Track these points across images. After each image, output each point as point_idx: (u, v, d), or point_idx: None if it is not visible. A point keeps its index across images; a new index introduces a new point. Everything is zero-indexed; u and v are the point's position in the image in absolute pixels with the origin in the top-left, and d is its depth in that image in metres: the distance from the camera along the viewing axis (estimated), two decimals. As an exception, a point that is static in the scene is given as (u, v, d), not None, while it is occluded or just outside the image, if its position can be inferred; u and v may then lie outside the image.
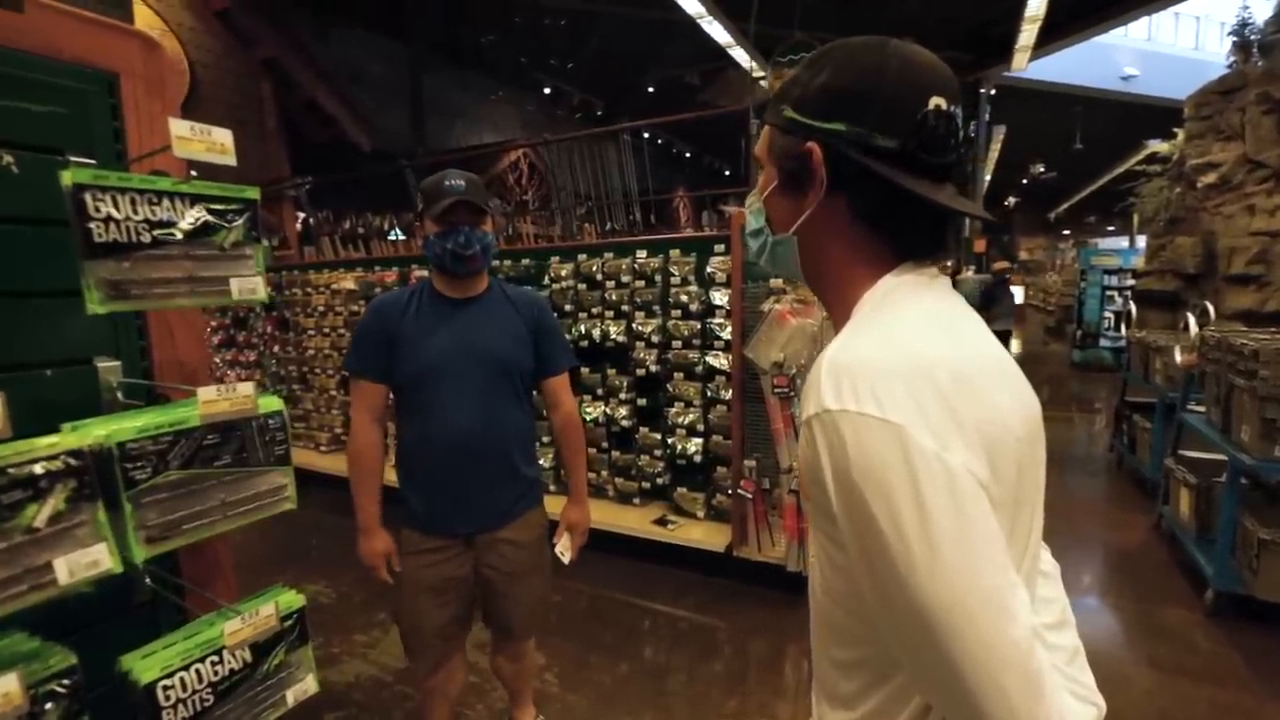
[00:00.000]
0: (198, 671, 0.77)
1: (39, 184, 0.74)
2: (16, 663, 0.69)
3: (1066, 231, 26.59)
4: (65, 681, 0.69)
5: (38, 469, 0.62)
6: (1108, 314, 10.19)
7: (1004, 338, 8.99)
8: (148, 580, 0.89)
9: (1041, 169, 17.14)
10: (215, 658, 0.78)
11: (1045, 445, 0.71)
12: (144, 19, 7.04)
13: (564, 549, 1.95)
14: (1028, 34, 9.25)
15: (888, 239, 0.70)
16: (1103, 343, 10.25)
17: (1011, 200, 22.74)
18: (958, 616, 0.52)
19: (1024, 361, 11.93)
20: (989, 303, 8.81)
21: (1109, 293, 10.21)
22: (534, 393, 1.90)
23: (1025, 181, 19.56)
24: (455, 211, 1.64)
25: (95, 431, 0.68)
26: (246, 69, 8.13)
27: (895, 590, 0.55)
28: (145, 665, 0.74)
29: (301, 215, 8.43)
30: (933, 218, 0.69)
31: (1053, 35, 9.96)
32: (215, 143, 0.74)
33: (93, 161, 0.84)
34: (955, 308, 0.70)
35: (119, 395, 0.85)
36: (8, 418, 0.58)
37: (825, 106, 0.68)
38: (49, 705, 0.67)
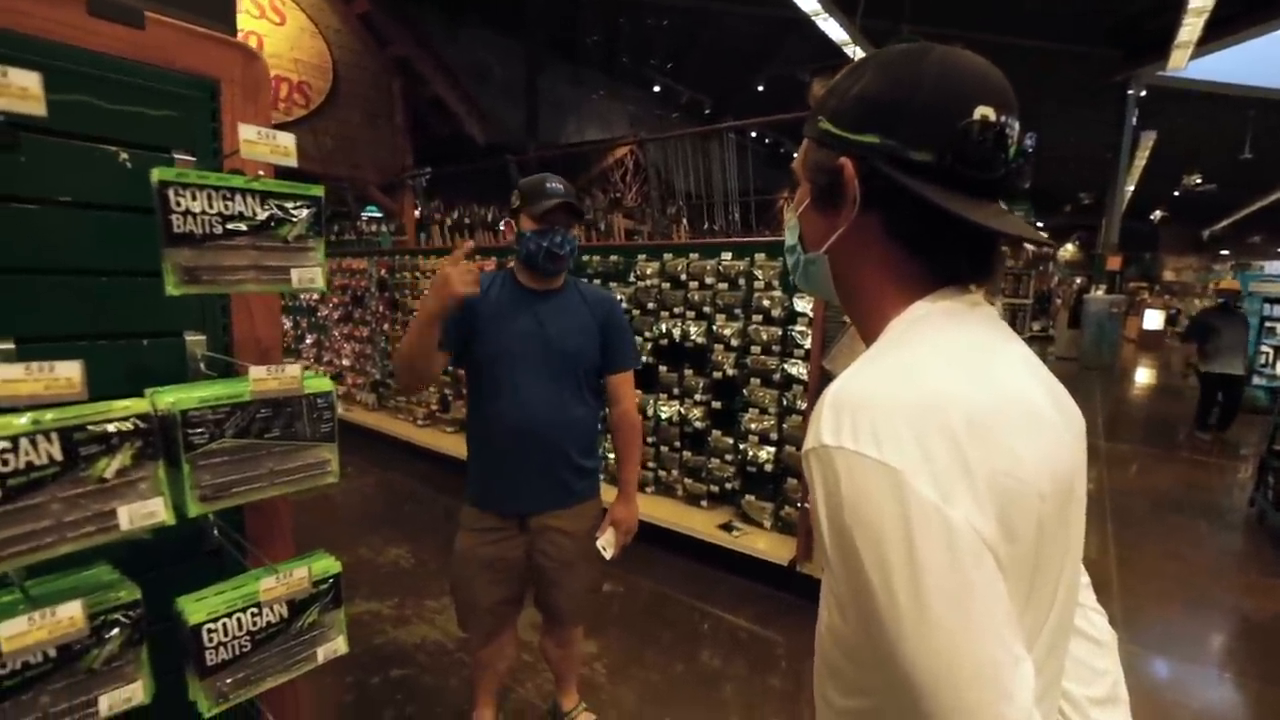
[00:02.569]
0: (239, 620, 0.86)
1: (148, 178, 0.84)
2: (95, 590, 0.80)
3: (1225, 251, 23.52)
4: (130, 613, 0.79)
5: (111, 428, 0.72)
6: (1265, 348, 8.91)
7: (1230, 384, 6.90)
8: (216, 533, 1.00)
9: (1198, 180, 15.24)
10: (255, 609, 0.88)
11: (1084, 505, 0.64)
12: (296, 22, 7.77)
13: (606, 544, 1.98)
14: (1190, 28, 8.25)
15: (924, 260, 0.65)
16: (1256, 380, 8.98)
17: (1158, 214, 20.40)
18: (944, 687, 0.48)
19: (1160, 395, 10.70)
20: (1202, 336, 6.79)
21: (1269, 324, 8.92)
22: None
23: (1176, 194, 17.48)
24: (556, 213, 1.75)
25: (164, 399, 0.78)
26: (381, 67, 8.77)
27: (882, 647, 0.51)
28: (195, 608, 0.84)
29: (419, 203, 9.02)
30: (973, 238, 0.63)
31: (1222, 30, 8.80)
32: (279, 146, 0.82)
33: (193, 158, 0.95)
34: (991, 341, 0.64)
35: (202, 366, 0.96)
36: (86, 383, 0.68)
37: (859, 118, 0.64)
38: (114, 632, 0.77)
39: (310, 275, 0.89)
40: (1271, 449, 4.71)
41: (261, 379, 0.81)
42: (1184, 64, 9.32)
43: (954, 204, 0.59)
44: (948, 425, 0.52)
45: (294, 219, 0.87)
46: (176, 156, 0.93)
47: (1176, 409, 9.46)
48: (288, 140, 0.83)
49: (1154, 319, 12.93)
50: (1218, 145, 13.57)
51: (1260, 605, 3.60)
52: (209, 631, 0.83)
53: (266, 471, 0.85)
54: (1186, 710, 2.67)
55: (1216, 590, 3.77)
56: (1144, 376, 12.51)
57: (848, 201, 0.65)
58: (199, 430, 0.79)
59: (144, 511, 0.73)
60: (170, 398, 0.78)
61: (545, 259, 1.75)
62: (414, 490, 4.87)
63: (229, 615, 0.85)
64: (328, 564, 0.95)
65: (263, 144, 0.81)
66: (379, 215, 9.50)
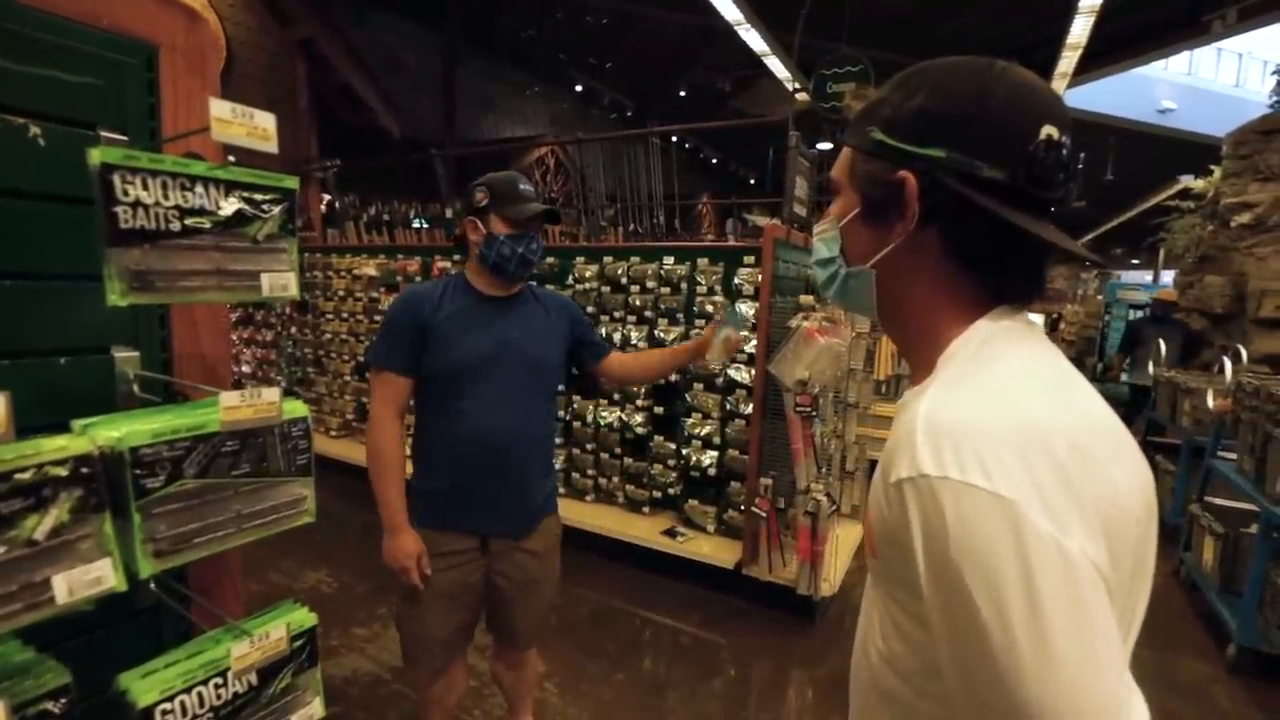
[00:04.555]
0: (199, 695, 0.71)
1: (67, 159, 0.68)
2: (8, 677, 0.63)
3: (1089, 262, 26.24)
4: (59, 701, 0.63)
5: (42, 475, 0.57)
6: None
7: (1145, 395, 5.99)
8: (153, 586, 0.83)
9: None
10: (219, 680, 0.73)
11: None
12: (184, -7, 7.07)
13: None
14: (1067, 61, 9.11)
15: (981, 279, 0.63)
16: (1124, 378, 10.01)
17: (1036, 227, 22.42)
18: None
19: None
20: (1130, 346, 6.36)
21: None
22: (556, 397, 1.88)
23: (1053, 209, 19.26)
24: (537, 220, 1.67)
25: (107, 434, 0.63)
26: (282, 48, 8.15)
27: (990, 687, 0.48)
28: (144, 686, 0.68)
29: (327, 198, 8.44)
30: (1033, 258, 0.63)
31: (1092, 64, 9.81)
32: (257, 127, 0.68)
33: (125, 138, 0.79)
34: (1060, 362, 0.62)
35: (135, 389, 0.80)
36: (10, 420, 0.52)
37: (921, 130, 0.61)
38: (39, 728, 0.61)
39: (283, 281, 0.75)
40: (1146, 439, 5.24)
41: (234, 406, 0.67)
42: (1061, 93, 10.30)
43: (1019, 219, 0.58)
44: (1052, 452, 0.50)
45: (265, 214, 0.73)
46: (104, 134, 0.76)
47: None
48: (267, 121, 0.69)
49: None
50: (1086, 167, 15.06)
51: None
52: (164, 714, 0.68)
53: (233, 515, 0.71)
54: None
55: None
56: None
57: (905, 216, 0.63)
58: (152, 471, 0.64)
59: (87, 578, 0.57)
60: (114, 432, 0.63)
61: (519, 265, 1.65)
62: (330, 507, 4.48)
63: (187, 691, 0.70)
64: (302, 617, 0.81)
65: (238, 124, 0.66)
66: (281, 208, 8.81)
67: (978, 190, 0.58)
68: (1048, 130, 0.58)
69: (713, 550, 3.44)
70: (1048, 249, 0.62)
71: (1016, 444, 0.50)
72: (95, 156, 0.62)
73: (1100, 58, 9.84)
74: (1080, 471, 0.50)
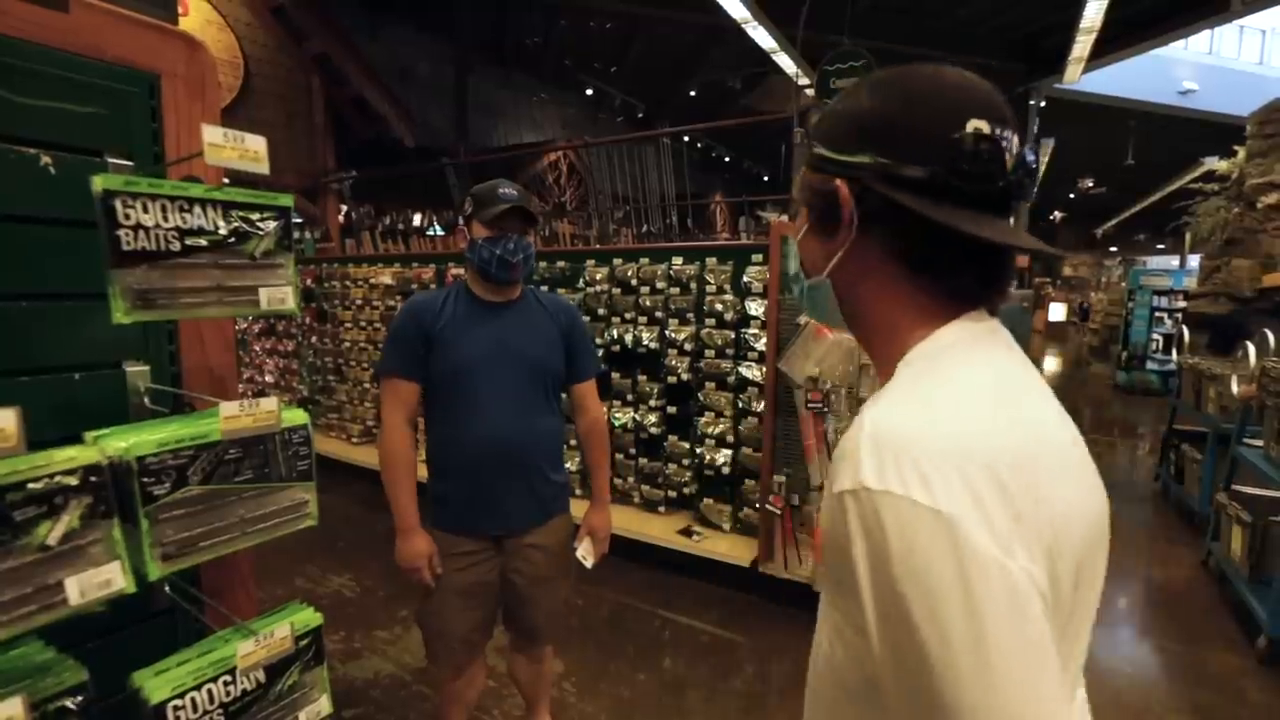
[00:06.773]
0: (209, 692, 0.75)
1: (76, 185, 0.72)
2: (29, 675, 0.67)
3: (1113, 249, 25.69)
4: (77, 698, 0.67)
5: (53, 484, 0.60)
6: (1156, 336, 9.78)
7: None
8: (167, 589, 0.87)
9: (1090, 184, 16.57)
10: (228, 678, 0.76)
11: (1107, 543, 0.62)
12: (201, 13, 7.23)
13: (585, 553, 1.95)
14: (1082, 45, 8.93)
15: (931, 281, 0.62)
16: (1149, 365, 9.82)
17: (1057, 215, 22.05)
18: None
19: (1065, 381, 11.56)
20: (1238, 335, 5.25)
21: (1158, 314, 9.81)
22: (563, 397, 1.90)
23: (1072, 196, 18.95)
24: (508, 218, 1.67)
25: (114, 444, 0.66)
26: (298, 64, 8.30)
27: (931, 703, 0.48)
28: (157, 684, 0.72)
29: (344, 208, 8.59)
30: (979, 255, 0.61)
31: (1108, 47, 9.60)
32: (249, 150, 0.72)
33: (130, 163, 0.83)
34: (1016, 372, 0.62)
35: (146, 401, 0.84)
36: (22, 433, 0.56)
37: (852, 139, 0.62)
38: (58, 723, 0.65)
39: (280, 295, 0.79)
40: (1172, 428, 5.12)
41: (233, 416, 0.70)
42: (1077, 78, 10.09)
43: (950, 217, 0.57)
44: (994, 468, 0.50)
45: (261, 232, 0.77)
46: (110, 161, 0.81)
47: (1083, 392, 10.23)
48: (259, 144, 0.72)
49: (1058, 311, 14.01)
50: (1106, 152, 14.78)
51: (1171, 573, 3.91)
52: (175, 709, 0.72)
53: (237, 520, 0.74)
54: (1122, 675, 2.86)
55: (1132, 559, 4.09)
56: (1053, 364, 13.49)
57: (844, 223, 0.63)
58: (158, 479, 0.67)
59: (97, 580, 0.61)
60: (122, 442, 0.66)
61: (499, 267, 1.68)
62: (351, 513, 4.60)
63: (197, 688, 0.73)
64: (307, 616, 0.84)
65: (230, 148, 0.70)
66: (299, 221, 8.99)
67: (901, 190, 0.58)
68: (975, 124, 0.57)
69: (729, 548, 3.44)
70: (986, 244, 0.58)
71: (958, 459, 0.50)
72: (98, 184, 0.66)
73: (1117, 40, 9.63)
74: (1023, 488, 0.50)
